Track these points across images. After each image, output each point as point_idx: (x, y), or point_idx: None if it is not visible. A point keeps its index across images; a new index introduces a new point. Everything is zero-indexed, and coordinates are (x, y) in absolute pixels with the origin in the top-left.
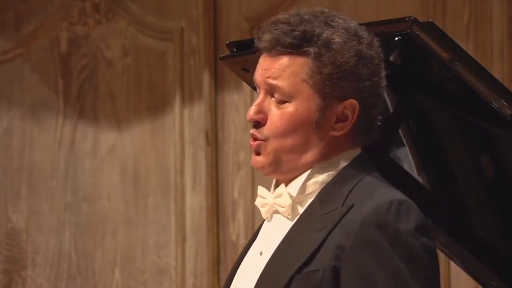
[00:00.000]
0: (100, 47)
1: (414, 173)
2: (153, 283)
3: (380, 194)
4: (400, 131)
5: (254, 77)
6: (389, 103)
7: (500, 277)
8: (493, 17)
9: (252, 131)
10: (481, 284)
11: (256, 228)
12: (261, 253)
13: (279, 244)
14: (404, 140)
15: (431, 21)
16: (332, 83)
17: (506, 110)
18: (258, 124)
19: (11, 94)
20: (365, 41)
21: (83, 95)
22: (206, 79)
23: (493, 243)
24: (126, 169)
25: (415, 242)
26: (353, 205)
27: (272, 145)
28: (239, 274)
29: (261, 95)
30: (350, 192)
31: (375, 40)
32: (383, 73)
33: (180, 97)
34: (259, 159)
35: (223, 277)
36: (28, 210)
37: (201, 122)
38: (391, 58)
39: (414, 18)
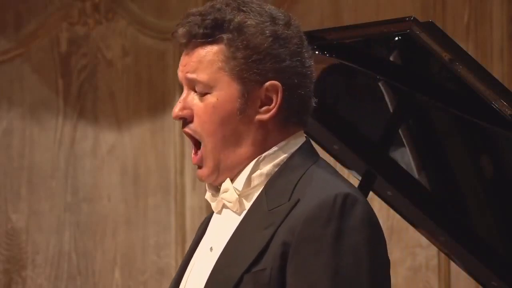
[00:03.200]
0: (100, 47)
1: (414, 173)
2: (153, 283)
3: (326, 187)
4: (400, 131)
5: (178, 78)
6: (389, 103)
7: (500, 277)
8: (493, 17)
9: (183, 129)
10: (481, 284)
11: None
12: (211, 249)
13: (228, 241)
14: (404, 140)
15: (431, 21)
16: (248, 66)
17: (506, 110)
18: (185, 120)
19: (11, 94)
20: (281, 22)
21: (83, 95)
22: None
23: (493, 243)
24: (126, 169)
25: (359, 236)
26: (299, 200)
27: (208, 145)
28: (191, 269)
29: (185, 91)
30: (296, 184)
31: (293, 20)
32: (306, 53)
33: (180, 97)
34: (201, 171)
35: None
36: (28, 210)
37: None
38: (391, 58)
39: (414, 18)
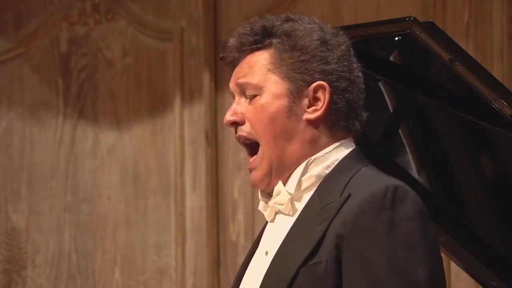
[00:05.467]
0: (100, 47)
1: (414, 173)
2: (153, 283)
3: (376, 181)
4: (400, 131)
5: (230, 90)
6: (389, 103)
7: (500, 277)
8: (493, 17)
9: (237, 134)
10: (481, 284)
11: (257, 228)
12: (266, 253)
13: (282, 242)
14: (404, 140)
15: (431, 21)
16: (296, 66)
17: (506, 110)
18: (237, 124)
19: (11, 94)
20: (329, 31)
21: (83, 95)
22: (206, 79)
23: (493, 243)
24: (126, 169)
25: (411, 225)
26: (350, 195)
27: (262, 144)
28: (247, 275)
29: (236, 99)
30: (348, 182)
31: (341, 32)
32: (355, 63)
33: (180, 97)
34: (254, 174)
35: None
36: (28, 210)
37: (201, 122)
38: (391, 58)
39: (414, 18)
